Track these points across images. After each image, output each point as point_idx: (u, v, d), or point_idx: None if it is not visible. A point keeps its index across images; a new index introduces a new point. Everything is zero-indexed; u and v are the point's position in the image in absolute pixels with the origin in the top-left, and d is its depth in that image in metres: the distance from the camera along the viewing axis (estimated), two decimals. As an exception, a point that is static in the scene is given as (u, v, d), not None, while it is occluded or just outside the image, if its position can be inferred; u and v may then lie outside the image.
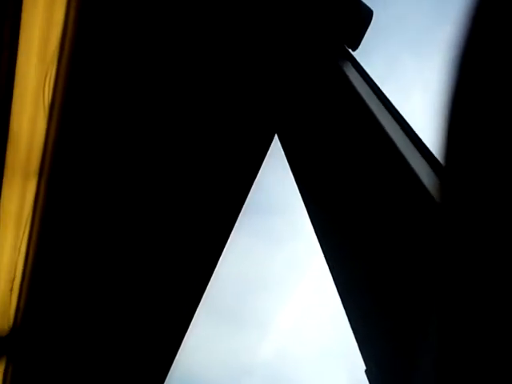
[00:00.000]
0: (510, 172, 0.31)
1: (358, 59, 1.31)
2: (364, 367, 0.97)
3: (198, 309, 1.97)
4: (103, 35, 1.46)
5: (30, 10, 1.39)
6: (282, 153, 1.46)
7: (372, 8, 1.31)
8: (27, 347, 2.18)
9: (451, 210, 0.35)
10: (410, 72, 1.50)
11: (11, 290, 1.99)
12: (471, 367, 0.34)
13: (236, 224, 1.75)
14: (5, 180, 1.70)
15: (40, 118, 1.59)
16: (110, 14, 1.44)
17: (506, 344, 0.32)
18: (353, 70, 1.29)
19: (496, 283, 0.32)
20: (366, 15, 1.31)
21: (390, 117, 1.19)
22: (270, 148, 1.59)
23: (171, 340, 2.09)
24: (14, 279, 1.96)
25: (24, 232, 1.85)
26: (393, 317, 0.95)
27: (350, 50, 1.34)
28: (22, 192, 1.76)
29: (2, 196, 1.73)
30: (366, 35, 1.32)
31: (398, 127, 1.16)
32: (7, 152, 1.65)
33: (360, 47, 1.33)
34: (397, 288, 0.97)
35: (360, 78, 1.27)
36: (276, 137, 1.55)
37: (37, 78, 1.51)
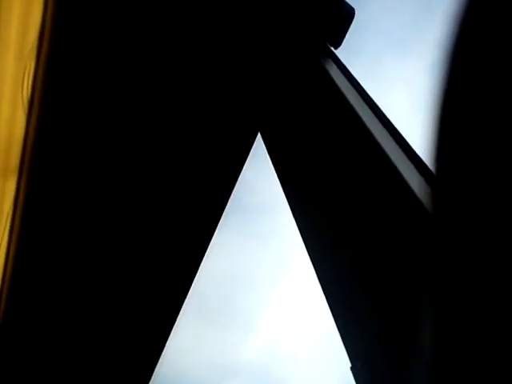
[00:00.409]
0: (502, 179, 0.31)
1: (340, 57, 1.31)
2: (349, 364, 0.99)
3: (183, 309, 1.97)
4: (82, 30, 1.44)
5: (6, 5, 1.37)
6: (266, 151, 1.47)
7: (354, 6, 1.32)
8: (9, 344, 2.17)
9: (441, 216, 0.35)
10: (392, 70, 1.52)
11: (-8, 288, 1.96)
12: (462, 366, 0.35)
13: (220, 224, 1.75)
14: (-17, 178, 1.68)
15: (19, 114, 1.56)
16: (89, 9, 1.42)
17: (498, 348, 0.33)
18: (335, 67, 1.30)
19: (488, 292, 0.32)
20: (348, 13, 1.31)
21: (372, 114, 1.20)
22: (253, 147, 1.59)
23: (155, 339, 2.08)
24: (-6, 278, 1.93)
25: (5, 229, 1.83)
26: (377, 313, 0.97)
27: (332, 48, 1.35)
28: (2, 190, 1.74)
29: (-19, 194, 1.70)
30: (348, 33, 1.32)
31: (380, 124, 1.18)
32: (-14, 150, 1.62)
33: (342, 45, 1.33)
34: (382, 285, 0.99)
35: (342, 76, 1.28)
36: (259, 135, 1.55)
37: (15, 74, 1.49)
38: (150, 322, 2.06)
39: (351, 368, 0.95)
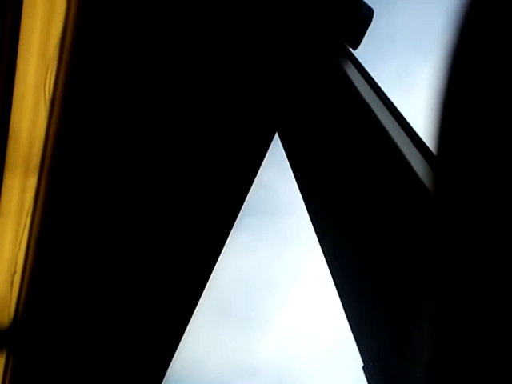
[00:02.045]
0: (502, 163, 0.32)
1: (359, 58, 1.31)
2: (362, 364, 0.99)
3: (201, 308, 1.98)
4: (104, 31, 1.47)
5: (30, 5, 1.40)
6: (283, 151, 1.47)
7: (373, 7, 1.31)
8: (27, 340, 2.20)
9: (444, 200, 0.36)
10: (412, 71, 1.51)
11: (12, 284, 2.00)
12: (466, 366, 0.35)
13: (241, 225, 1.75)
14: (5, 175, 1.71)
15: (41, 113, 1.59)
16: (111, 9, 1.44)
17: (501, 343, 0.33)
18: (353, 68, 1.30)
19: (490, 274, 0.33)
20: (367, 14, 1.31)
21: (389, 114, 1.20)
22: (271, 147, 1.60)
23: (170, 336, 2.10)
24: (14, 273, 1.96)
25: (25, 226, 1.86)
26: (389, 316, 0.97)
27: (350, 49, 1.35)
28: (23, 187, 1.76)
29: (3, 191, 1.74)
30: (367, 34, 1.32)
31: (397, 125, 1.17)
32: (8, 147, 1.65)
33: (361, 46, 1.33)
34: (394, 286, 0.98)
35: (360, 77, 1.28)
36: (276, 135, 1.56)
37: (38, 74, 1.51)
38: (163, 319, 2.08)
39: (363, 367, 0.96)
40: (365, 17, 1.31)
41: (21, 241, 1.90)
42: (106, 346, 2.19)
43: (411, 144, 1.12)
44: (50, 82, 1.52)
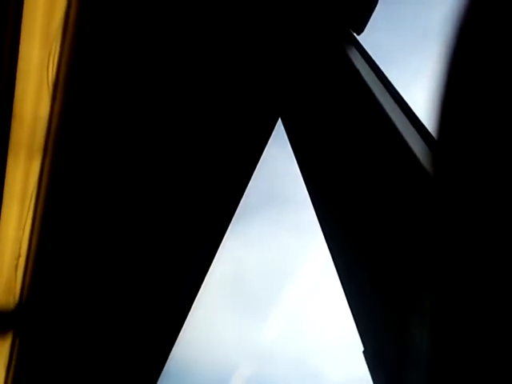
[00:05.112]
0: (500, 148, 0.32)
1: (363, 43, 1.30)
2: (362, 348, 1.00)
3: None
4: (107, 11, 1.45)
5: (33, -13, 1.38)
6: (286, 137, 1.47)
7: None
8: (32, 322, 2.22)
9: (444, 184, 0.36)
10: (417, 57, 1.49)
11: (16, 266, 2.01)
12: (463, 354, 0.36)
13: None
14: (9, 158, 1.71)
15: (44, 95, 1.59)
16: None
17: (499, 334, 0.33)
18: (357, 54, 1.29)
19: (489, 259, 0.33)
20: (372, -1, 1.30)
21: (392, 101, 1.19)
22: (274, 132, 1.59)
23: (172, 321, 2.11)
24: (19, 256, 1.98)
25: (29, 209, 1.87)
26: (387, 304, 0.97)
27: (354, 34, 1.34)
28: (27, 170, 1.77)
29: (7, 174, 1.74)
30: (372, 19, 1.31)
31: (400, 111, 1.17)
32: (11, 130, 1.65)
33: (365, 31, 1.32)
34: (394, 272, 0.99)
35: (364, 63, 1.27)
36: (280, 121, 1.55)
37: (40, 56, 1.51)
38: (166, 302, 2.10)
39: (364, 352, 0.97)
40: (370, 2, 1.29)
41: (25, 224, 1.91)
42: (110, 327, 2.22)
43: (414, 130, 1.12)
44: (53, 63, 1.52)
